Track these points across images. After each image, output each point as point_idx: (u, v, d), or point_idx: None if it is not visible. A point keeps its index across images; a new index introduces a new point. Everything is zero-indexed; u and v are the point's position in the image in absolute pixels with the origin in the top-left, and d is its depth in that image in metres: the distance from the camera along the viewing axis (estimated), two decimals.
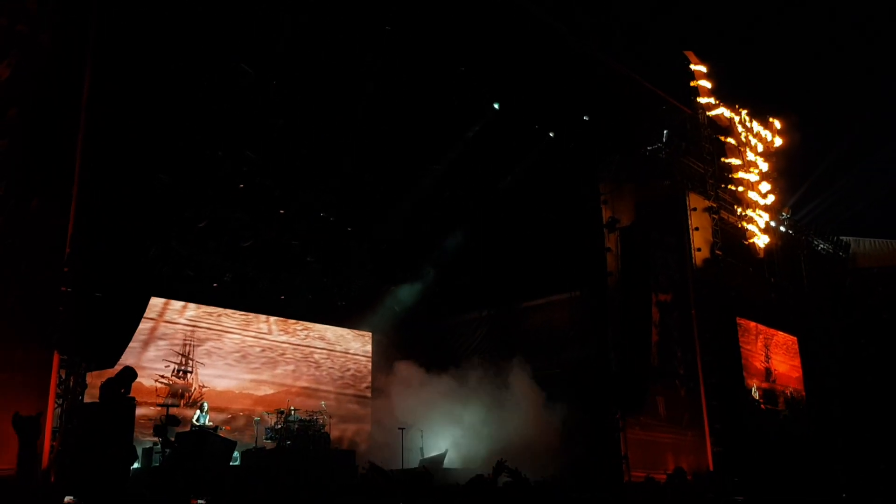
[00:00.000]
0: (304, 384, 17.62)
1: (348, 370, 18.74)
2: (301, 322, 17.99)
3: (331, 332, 18.61)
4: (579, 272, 16.35)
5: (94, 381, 9.89)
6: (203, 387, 15.50)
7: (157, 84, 9.95)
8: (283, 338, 17.67)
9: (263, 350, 17.11)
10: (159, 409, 13.67)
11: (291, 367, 17.53)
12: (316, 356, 18.18)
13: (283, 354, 17.47)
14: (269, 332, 17.42)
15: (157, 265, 12.78)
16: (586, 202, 15.87)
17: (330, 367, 18.35)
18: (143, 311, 10.62)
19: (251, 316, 17.08)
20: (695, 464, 15.49)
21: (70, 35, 9.42)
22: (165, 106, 10.17)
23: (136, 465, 11.04)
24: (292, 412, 15.00)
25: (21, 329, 8.63)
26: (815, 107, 26.33)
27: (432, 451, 15.63)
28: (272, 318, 17.49)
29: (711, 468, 15.92)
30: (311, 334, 18.26)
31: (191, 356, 15.64)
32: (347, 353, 18.89)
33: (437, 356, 17.88)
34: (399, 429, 15.17)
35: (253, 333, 17.07)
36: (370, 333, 19.18)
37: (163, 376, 14.96)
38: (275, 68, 12.75)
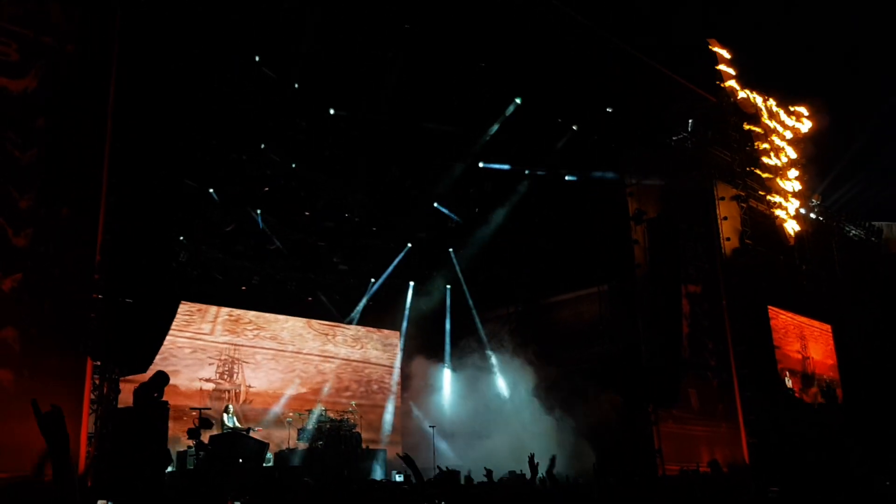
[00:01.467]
0: (334, 385, 17.67)
1: (377, 370, 18.77)
2: (329, 322, 18.05)
3: (359, 332, 18.65)
4: (607, 266, 16.22)
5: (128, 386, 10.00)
6: (250, 387, 15.65)
7: (182, 89, 10.02)
8: (311, 339, 17.72)
9: (291, 351, 17.18)
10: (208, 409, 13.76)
11: (320, 368, 17.58)
12: (344, 356, 18.22)
13: (310, 355, 17.53)
14: (297, 334, 17.48)
15: (186, 270, 12.91)
16: (612, 195, 15.73)
17: (358, 367, 18.38)
18: (174, 315, 10.72)
19: (279, 318, 17.16)
20: (730, 456, 15.31)
21: (95, 44, 9.52)
22: (190, 111, 10.24)
23: (170, 468, 11.13)
24: (323, 412, 15.05)
25: (55, 337, 8.74)
26: (843, 90, 25.88)
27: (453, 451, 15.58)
28: (300, 320, 17.55)
29: (747, 460, 15.73)
30: (339, 335, 18.31)
31: (237, 357, 15.81)
32: (376, 352, 18.91)
33: (464, 354, 17.85)
34: (430, 427, 15.17)
35: (281, 335, 17.15)
36: (398, 332, 19.19)
37: (208, 379, 15.11)
38: (297, 69, 12.79)
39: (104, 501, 7.63)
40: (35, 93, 8.94)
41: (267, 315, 16.92)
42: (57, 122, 9.08)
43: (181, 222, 10.59)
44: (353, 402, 16.73)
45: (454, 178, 16.10)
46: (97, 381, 9.23)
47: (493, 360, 17.41)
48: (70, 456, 3.28)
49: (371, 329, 18.79)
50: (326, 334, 18.04)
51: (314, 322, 17.80)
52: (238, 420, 14.24)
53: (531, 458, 5.97)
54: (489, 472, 5.50)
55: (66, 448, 3.13)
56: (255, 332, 16.67)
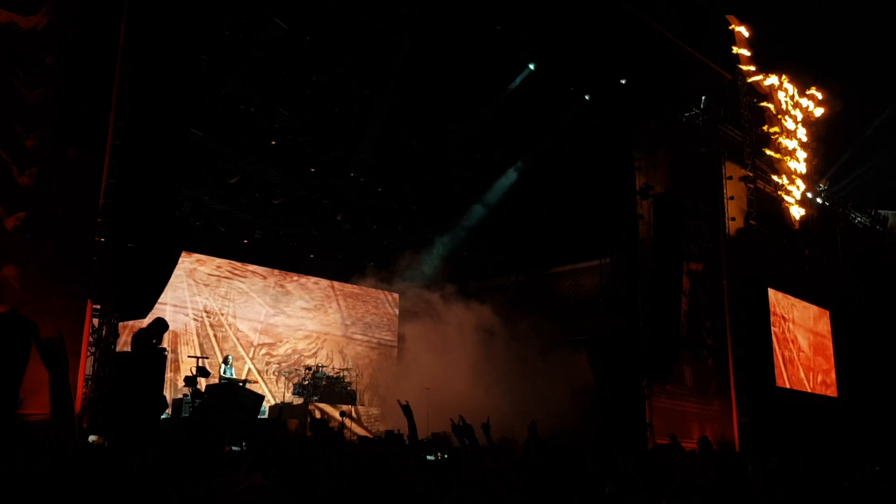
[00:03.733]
0: (332, 343, 17.74)
1: (375, 330, 18.84)
2: (329, 281, 18.07)
3: (359, 291, 18.68)
4: (610, 239, 16.18)
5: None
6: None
7: (192, 36, 9.91)
8: (311, 296, 17.76)
9: (291, 308, 17.22)
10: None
11: (318, 327, 17.64)
12: (343, 316, 18.28)
13: (310, 312, 17.58)
14: (298, 290, 17.52)
15: (189, 219, 12.87)
16: (620, 167, 15.63)
17: (357, 327, 18.45)
18: (175, 263, 10.70)
19: (280, 273, 17.17)
20: (720, 434, 15.41)
21: None
22: (200, 59, 10.13)
23: (165, 416, 11.22)
24: (319, 369, 15.12)
25: (56, 277, 8.73)
26: (857, 76, 25.64)
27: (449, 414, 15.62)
28: (301, 276, 17.57)
29: (737, 439, 15.85)
30: (340, 293, 18.34)
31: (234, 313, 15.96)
32: (375, 313, 18.97)
33: (463, 319, 17.87)
34: (425, 389, 15.24)
35: (280, 291, 17.18)
36: (397, 295, 19.22)
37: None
38: (309, 23, 12.63)
39: (96, 437, 7.69)
40: (44, 30, 8.82)
41: (266, 269, 16.92)
42: (66, 61, 8.97)
43: (186, 170, 10.51)
44: (350, 360, 16.79)
45: (462, 143, 15.97)
46: (96, 324, 9.25)
47: (492, 326, 17.42)
48: (69, 388, 3.21)
49: (371, 289, 18.82)
50: (326, 292, 18.08)
51: (314, 279, 17.82)
52: (236, 372, 14.33)
53: (532, 424, 5.98)
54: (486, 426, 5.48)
55: (66, 378, 3.06)
56: (255, 285, 16.69)
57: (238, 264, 16.43)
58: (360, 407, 15.62)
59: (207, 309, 15.63)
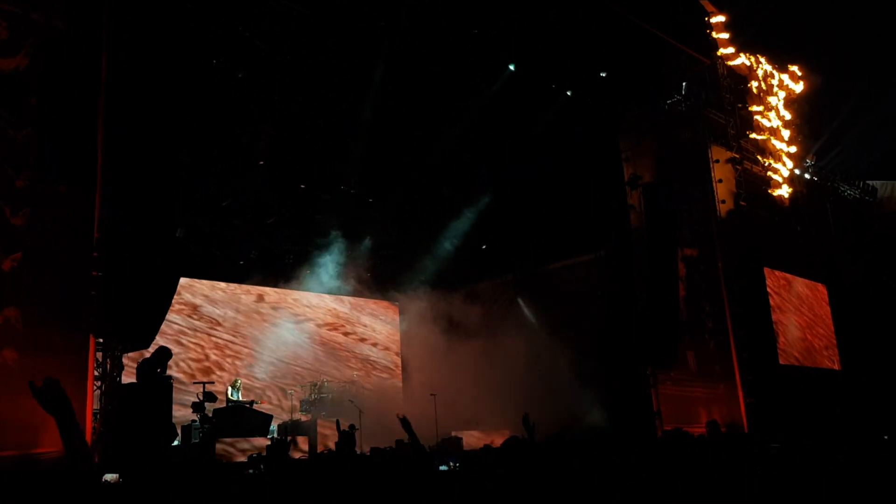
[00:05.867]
0: (334, 357, 17.78)
1: (377, 341, 18.88)
2: (328, 295, 18.10)
3: (358, 303, 18.72)
4: (603, 231, 16.25)
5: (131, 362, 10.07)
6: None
7: (174, 63, 9.95)
8: (311, 311, 17.80)
9: (292, 324, 17.25)
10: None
11: (321, 341, 17.67)
12: (344, 328, 18.32)
13: (311, 328, 17.61)
14: (297, 307, 17.55)
15: (184, 245, 12.91)
16: (607, 159, 15.72)
17: (358, 339, 18.49)
18: (174, 291, 10.75)
19: (278, 290, 17.21)
20: (727, 416, 15.48)
21: (85, 19, 9.44)
22: (183, 85, 10.17)
23: (176, 442, 11.24)
24: (325, 384, 15.15)
25: (57, 315, 8.78)
26: (834, 49, 25.79)
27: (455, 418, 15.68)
28: (300, 293, 17.61)
29: (745, 420, 15.93)
30: (339, 306, 18.38)
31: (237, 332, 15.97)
32: (375, 323, 19.01)
33: (464, 321, 17.92)
34: (430, 395, 15.27)
35: (281, 308, 17.22)
36: (397, 304, 19.26)
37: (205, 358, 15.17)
38: (289, 41, 12.69)
39: (113, 476, 7.72)
40: (27, 71, 8.88)
41: (265, 288, 16.96)
42: (50, 99, 9.03)
43: (178, 198, 10.54)
44: (356, 373, 16.83)
45: (448, 148, 16.02)
46: (100, 358, 9.30)
47: (492, 327, 17.47)
48: (77, 423, 3.27)
49: (370, 300, 18.86)
50: (326, 306, 18.11)
51: (313, 294, 17.85)
52: (244, 393, 14.35)
53: (525, 417, 6.02)
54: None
55: (71, 415, 3.14)
56: (255, 305, 16.73)
57: (235, 285, 16.46)
58: (367, 419, 15.64)
59: (209, 332, 15.65)
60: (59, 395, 3.18)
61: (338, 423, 9.99)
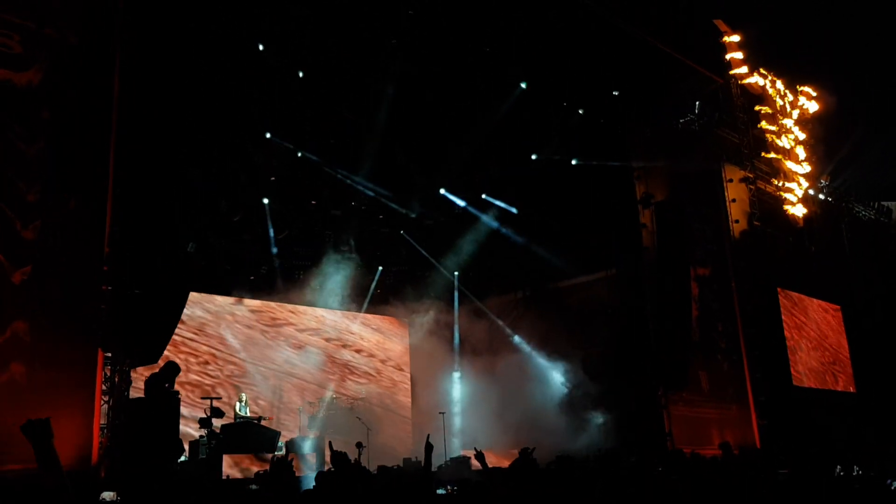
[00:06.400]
0: (344, 373, 17.71)
1: (387, 358, 18.80)
2: (338, 311, 18.06)
3: (368, 320, 18.66)
4: (615, 250, 16.14)
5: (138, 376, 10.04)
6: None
7: (186, 78, 10.00)
8: (321, 327, 17.75)
9: (301, 340, 17.22)
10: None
11: (330, 357, 17.61)
12: (354, 345, 18.25)
13: (321, 344, 17.56)
14: (307, 322, 17.52)
15: (194, 260, 12.93)
16: (619, 179, 15.64)
17: (368, 356, 18.42)
18: (183, 306, 10.74)
19: (287, 306, 17.18)
20: (740, 438, 15.31)
21: (97, 34, 9.51)
22: (195, 100, 10.22)
23: (182, 458, 11.18)
24: (333, 400, 15.08)
25: (66, 329, 8.78)
26: (849, 69, 25.69)
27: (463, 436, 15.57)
28: (309, 309, 17.58)
29: (758, 442, 15.72)
30: (349, 323, 18.33)
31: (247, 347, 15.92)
32: (385, 340, 18.94)
33: (474, 338, 17.85)
34: (439, 413, 15.20)
35: (291, 324, 17.19)
36: (407, 321, 19.20)
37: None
38: (302, 60, 12.76)
39: (111, 493, 7.66)
40: (39, 85, 8.94)
41: (274, 304, 16.94)
42: (62, 114, 9.08)
43: (188, 213, 10.57)
44: (364, 390, 16.75)
45: (460, 164, 16.02)
46: (108, 373, 9.27)
47: (502, 345, 17.39)
48: (54, 457, 3.38)
49: (381, 317, 18.81)
50: (336, 323, 18.06)
51: (323, 310, 17.81)
52: (252, 409, 14.30)
53: (525, 450, 5.93)
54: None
55: (49, 453, 3.22)
56: (264, 320, 16.71)
57: (246, 300, 16.46)
58: (375, 436, 15.56)
59: (218, 347, 15.63)
60: (44, 433, 3.30)
61: (330, 444, 9.89)
